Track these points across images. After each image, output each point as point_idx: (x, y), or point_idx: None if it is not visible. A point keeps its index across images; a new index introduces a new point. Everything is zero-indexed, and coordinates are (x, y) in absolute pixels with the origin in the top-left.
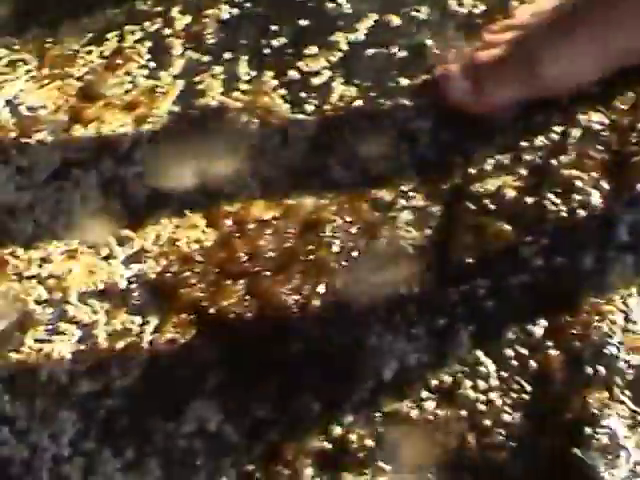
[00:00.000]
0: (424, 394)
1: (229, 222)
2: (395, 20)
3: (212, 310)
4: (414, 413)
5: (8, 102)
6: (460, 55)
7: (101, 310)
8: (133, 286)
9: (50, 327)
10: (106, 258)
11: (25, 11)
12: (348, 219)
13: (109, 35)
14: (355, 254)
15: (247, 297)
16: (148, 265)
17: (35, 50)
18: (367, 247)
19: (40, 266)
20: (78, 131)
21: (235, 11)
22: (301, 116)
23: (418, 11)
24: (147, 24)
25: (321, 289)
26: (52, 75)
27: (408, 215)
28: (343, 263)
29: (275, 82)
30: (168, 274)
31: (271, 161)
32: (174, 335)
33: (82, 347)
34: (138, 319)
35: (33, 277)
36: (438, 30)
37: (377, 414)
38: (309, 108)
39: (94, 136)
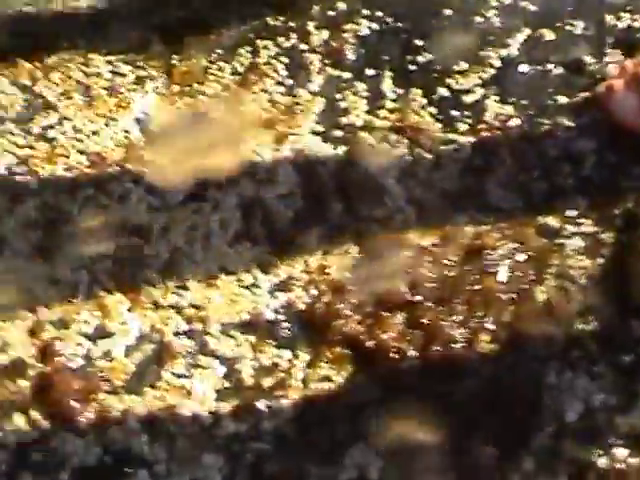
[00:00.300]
0: (613, 440)
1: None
2: (549, 35)
3: (369, 344)
4: (602, 462)
5: (137, 120)
6: (623, 70)
7: (245, 343)
8: (280, 317)
9: (190, 361)
10: (249, 286)
11: (149, 27)
12: (513, 246)
13: (241, 51)
14: (524, 284)
15: (408, 330)
16: (296, 294)
17: (162, 67)
18: (537, 276)
19: (178, 294)
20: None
21: (375, 26)
22: (454, 135)
23: (573, 25)
24: (281, 39)
25: (489, 322)
26: (182, 92)
27: (578, 242)
28: (512, 294)
29: (424, 100)
30: (319, 305)
31: (424, 184)
32: (328, 372)
33: (226, 383)
34: (287, 353)
35: (171, 306)
36: (596, 45)
37: (561, 462)
38: (462, 127)
39: (232, 157)
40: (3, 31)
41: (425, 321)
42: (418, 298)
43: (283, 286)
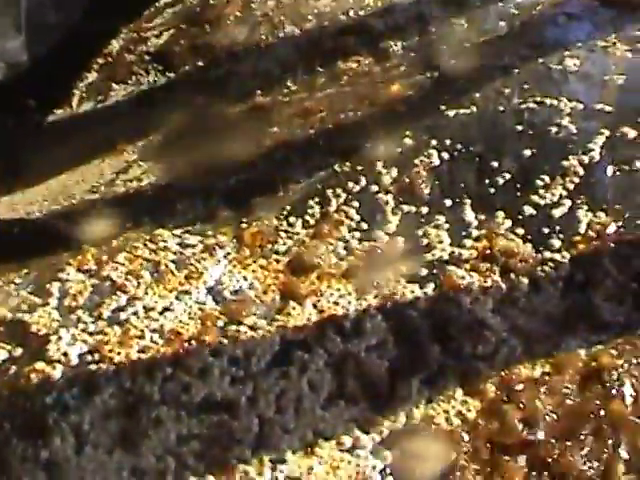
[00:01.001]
0: None
1: (492, 387)
2: (631, 132)
3: None
4: None
5: (210, 289)
6: None
7: None
8: (389, 479)
9: None
10: (351, 449)
11: (214, 195)
12: (634, 361)
13: (310, 203)
14: None
15: (533, 473)
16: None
17: (230, 232)
18: None
19: (274, 469)
20: (294, 309)
21: (446, 155)
22: (548, 254)
23: None
24: (350, 185)
25: (623, 451)
26: (253, 254)
27: None
28: None
29: (509, 222)
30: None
31: (525, 310)
32: None
33: None
34: None
35: None
36: None
37: None
38: (556, 243)
39: (313, 312)
40: (66, 221)
41: (551, 460)
42: (538, 436)
43: (388, 444)
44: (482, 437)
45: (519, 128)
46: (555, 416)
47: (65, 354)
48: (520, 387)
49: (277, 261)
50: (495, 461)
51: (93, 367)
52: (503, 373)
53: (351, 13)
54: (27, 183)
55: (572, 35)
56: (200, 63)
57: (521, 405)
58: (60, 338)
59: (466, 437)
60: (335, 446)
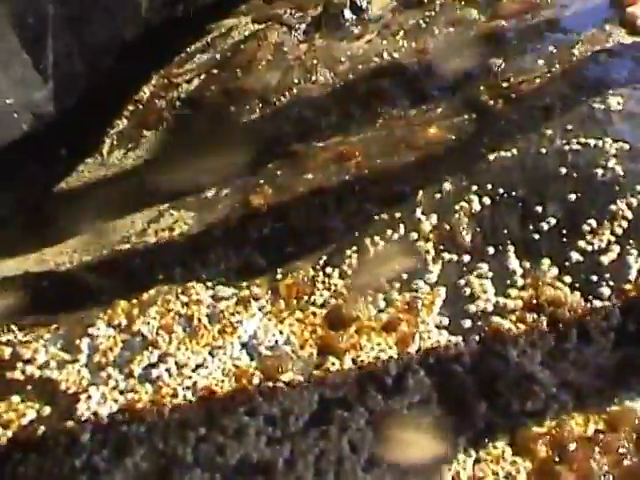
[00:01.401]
0: None
1: (543, 446)
2: None
3: None
4: None
5: (245, 344)
6: None
7: None
8: None
9: None
10: None
11: (248, 244)
12: None
13: (347, 252)
14: None
15: None
16: None
17: (265, 283)
18: None
19: None
20: (333, 364)
21: (487, 200)
22: (598, 303)
23: None
24: (389, 232)
25: None
26: (289, 306)
27: None
28: None
29: (555, 270)
30: None
31: (575, 362)
32: None
33: None
34: None
35: None
36: None
37: None
38: (605, 292)
39: (353, 367)
40: (96, 273)
41: None
42: None
43: None
44: None
45: (563, 171)
46: (611, 477)
47: (95, 414)
48: (573, 446)
49: (314, 314)
50: None
51: (124, 427)
52: (554, 431)
53: (385, 55)
54: (57, 234)
55: (614, 73)
56: (232, 108)
57: (574, 466)
58: (90, 397)
59: None
60: None
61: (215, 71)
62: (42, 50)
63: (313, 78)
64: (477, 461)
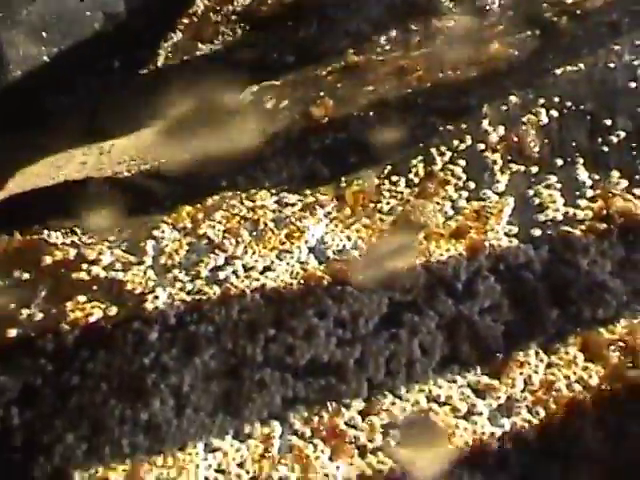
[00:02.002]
0: None
1: (615, 353)
2: None
3: None
4: None
5: (312, 249)
6: None
7: None
8: (508, 447)
9: None
10: (467, 415)
11: (310, 154)
12: None
13: (413, 161)
14: None
15: None
16: (522, 418)
17: (330, 191)
18: None
19: (385, 434)
20: (401, 276)
21: (555, 113)
22: None
23: None
24: (456, 142)
25: None
26: (356, 213)
27: None
28: None
29: (625, 182)
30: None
31: None
32: None
33: None
34: None
35: (379, 449)
36: None
37: None
38: None
39: (423, 272)
40: (158, 180)
41: None
42: None
43: (506, 410)
44: (607, 405)
45: (632, 85)
46: None
47: (163, 313)
48: None
49: (381, 220)
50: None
51: (192, 327)
52: (626, 338)
53: None
54: (113, 144)
55: None
56: (289, 23)
57: None
58: (157, 297)
59: (590, 404)
60: (450, 412)
61: None
62: None
63: None
64: (549, 365)
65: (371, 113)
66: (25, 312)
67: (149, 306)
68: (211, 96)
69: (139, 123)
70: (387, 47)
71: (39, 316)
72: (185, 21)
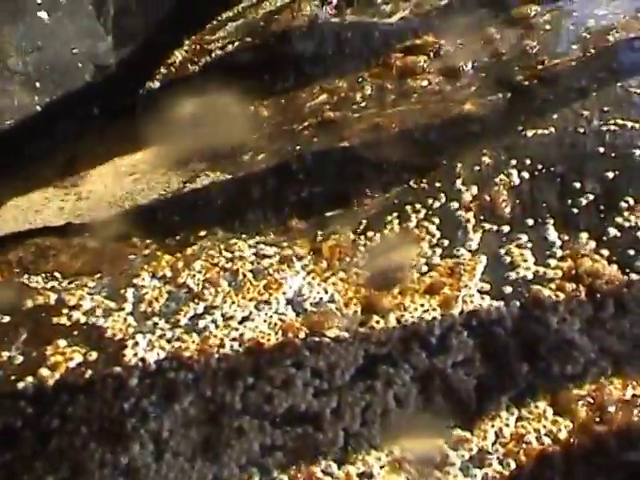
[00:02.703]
0: None
1: (583, 408)
2: None
3: None
4: None
5: (290, 300)
6: None
7: None
8: None
9: None
10: (440, 466)
11: (286, 207)
12: None
13: (388, 218)
14: None
15: None
16: (494, 469)
17: (307, 244)
18: None
19: None
20: (377, 322)
21: (526, 175)
22: (635, 276)
23: None
24: (430, 201)
25: None
26: (332, 267)
27: None
28: None
29: (593, 243)
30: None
31: (613, 331)
32: None
33: None
34: None
35: None
36: None
37: None
38: None
39: (397, 326)
40: (136, 227)
41: None
42: (635, 457)
43: (477, 461)
44: (576, 457)
45: (601, 150)
46: None
47: (143, 360)
48: (612, 408)
49: (357, 274)
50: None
51: (172, 374)
52: (594, 393)
53: (419, 32)
54: (91, 190)
55: None
56: (265, 76)
57: (614, 427)
58: (137, 344)
59: (559, 456)
60: (424, 463)
61: (248, 39)
62: (103, 3)
63: (347, 51)
64: (519, 419)
65: (347, 168)
66: (5, 354)
67: (129, 352)
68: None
69: (115, 169)
70: (362, 104)
71: (19, 359)
72: (163, 71)
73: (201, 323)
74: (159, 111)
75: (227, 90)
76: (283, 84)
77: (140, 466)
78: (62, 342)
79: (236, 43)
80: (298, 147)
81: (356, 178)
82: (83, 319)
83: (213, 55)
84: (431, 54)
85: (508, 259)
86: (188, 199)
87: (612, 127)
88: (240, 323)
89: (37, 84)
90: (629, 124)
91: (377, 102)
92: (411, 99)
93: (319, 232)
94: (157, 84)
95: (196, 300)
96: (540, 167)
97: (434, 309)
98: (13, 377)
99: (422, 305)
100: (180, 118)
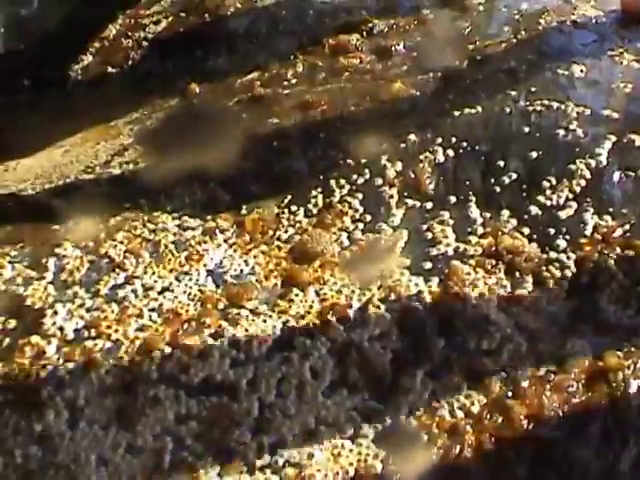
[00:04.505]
0: None
1: (497, 382)
2: (638, 139)
3: None
4: None
5: (210, 272)
6: None
7: None
8: (392, 468)
9: None
10: (352, 437)
11: (213, 183)
12: None
13: (313, 192)
14: None
15: (537, 469)
16: None
17: (230, 218)
18: None
19: (273, 453)
20: (296, 295)
21: (451, 152)
22: (554, 254)
23: None
24: (354, 177)
25: (633, 450)
26: (254, 240)
27: None
28: None
29: (515, 221)
30: (434, 449)
31: (530, 308)
32: None
33: None
34: None
35: (267, 467)
36: None
37: None
38: (561, 244)
39: (316, 299)
40: (61, 199)
41: (556, 457)
42: (544, 433)
43: (390, 433)
44: (485, 432)
45: (526, 130)
46: (560, 413)
47: (61, 329)
48: (525, 384)
49: (279, 248)
50: (501, 458)
51: (89, 343)
52: (508, 369)
53: (353, 11)
54: (19, 162)
55: (578, 43)
56: (198, 52)
57: (526, 401)
58: (56, 313)
59: (470, 430)
60: (336, 434)
61: (183, 14)
62: None
63: (281, 29)
64: (434, 392)
65: (274, 144)
66: None
67: (48, 321)
68: (117, 120)
69: (46, 143)
70: (293, 81)
71: None
72: (97, 45)
73: (121, 293)
74: (90, 84)
75: (159, 64)
76: (215, 60)
77: (54, 434)
78: None
79: (170, 18)
80: (227, 122)
81: (283, 154)
82: (3, 287)
83: (147, 30)
84: (364, 33)
85: (429, 235)
86: (115, 172)
87: (538, 108)
88: (160, 294)
89: None
90: (554, 105)
91: (308, 80)
92: (342, 77)
93: (244, 206)
94: (90, 57)
95: (117, 270)
96: (465, 145)
97: (353, 283)
98: None
99: (342, 279)
100: (111, 92)
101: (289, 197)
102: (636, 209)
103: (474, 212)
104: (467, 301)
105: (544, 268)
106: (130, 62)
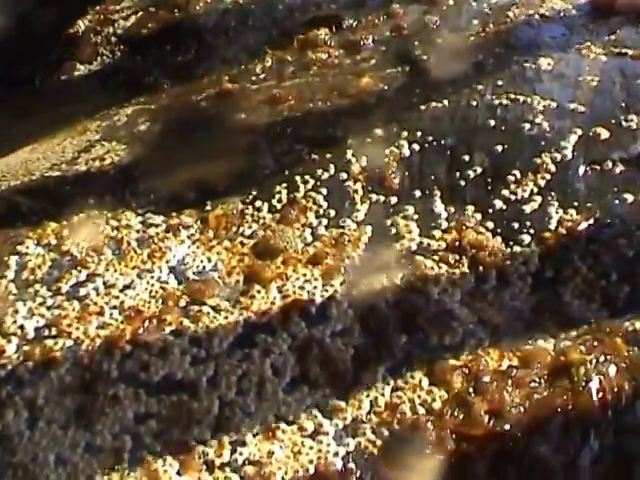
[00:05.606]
0: None
1: (458, 378)
2: (604, 133)
3: None
4: None
5: (173, 269)
6: None
7: None
8: (351, 465)
9: None
10: (313, 435)
11: (178, 180)
12: (603, 358)
13: (277, 188)
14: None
15: (498, 465)
16: (367, 438)
17: (195, 214)
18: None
19: (233, 451)
20: (258, 292)
21: (416, 147)
22: (518, 249)
23: (629, 120)
24: (319, 171)
25: (594, 445)
26: (218, 236)
27: None
28: (609, 411)
29: (479, 215)
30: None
31: (493, 303)
32: None
33: None
34: None
35: (226, 465)
36: None
37: None
38: (526, 239)
39: (278, 296)
40: (25, 196)
41: (517, 452)
42: (505, 428)
43: (351, 431)
44: (447, 428)
45: (491, 123)
46: (522, 409)
47: (21, 327)
48: (487, 379)
49: (242, 244)
50: (460, 451)
51: (50, 341)
52: (470, 364)
53: (322, 6)
54: None
55: (546, 36)
56: (167, 47)
57: (487, 397)
58: (16, 311)
59: (431, 426)
60: (297, 431)
61: (152, 9)
62: None
63: (250, 23)
64: (395, 389)
65: (240, 139)
66: None
67: (8, 320)
68: (85, 117)
69: (13, 140)
70: (262, 76)
71: None
72: (65, 41)
73: (82, 291)
74: (59, 81)
75: (128, 60)
76: (185, 56)
77: (13, 433)
78: None
79: (140, 14)
80: (195, 118)
81: (249, 149)
82: None
83: (116, 25)
84: (333, 27)
85: (393, 230)
86: (81, 168)
87: (504, 101)
88: (121, 291)
89: None
90: (521, 98)
91: (276, 74)
92: (310, 72)
93: (208, 202)
94: (58, 53)
95: (79, 268)
96: (431, 139)
97: (316, 279)
98: None
99: (304, 275)
100: (79, 88)
101: (254, 193)
102: (601, 203)
103: (439, 206)
104: (430, 296)
105: (508, 262)
106: (99, 58)
